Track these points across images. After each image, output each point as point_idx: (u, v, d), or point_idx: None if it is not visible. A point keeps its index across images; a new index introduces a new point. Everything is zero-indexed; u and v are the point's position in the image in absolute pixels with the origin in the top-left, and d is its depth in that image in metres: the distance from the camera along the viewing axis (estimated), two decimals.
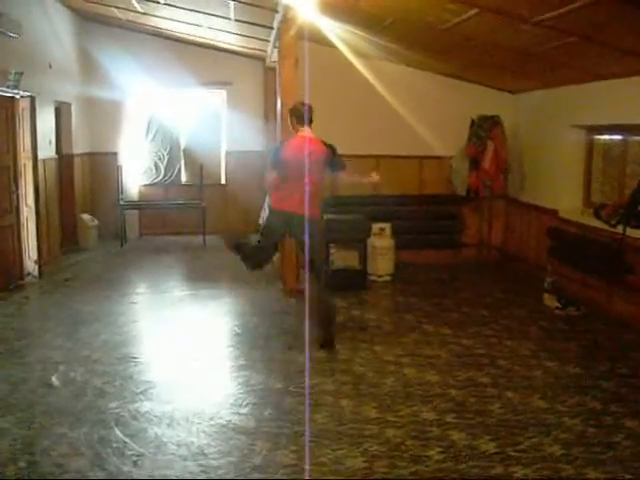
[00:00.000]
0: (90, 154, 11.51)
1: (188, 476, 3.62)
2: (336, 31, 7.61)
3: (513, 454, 3.90)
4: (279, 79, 7.81)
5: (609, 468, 3.74)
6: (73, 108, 10.54)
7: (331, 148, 5.87)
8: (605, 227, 6.80)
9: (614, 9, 4.71)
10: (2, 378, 5.04)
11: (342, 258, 8.03)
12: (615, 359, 5.59)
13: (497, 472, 3.70)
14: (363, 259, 8.09)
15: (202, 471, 3.67)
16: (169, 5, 8.47)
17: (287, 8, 7.00)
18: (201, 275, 8.94)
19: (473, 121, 9.03)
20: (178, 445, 3.98)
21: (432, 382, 5.07)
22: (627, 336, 6.21)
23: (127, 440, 4.03)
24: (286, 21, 7.26)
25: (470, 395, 4.81)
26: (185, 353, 5.79)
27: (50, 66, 9.32)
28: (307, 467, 3.71)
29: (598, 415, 4.47)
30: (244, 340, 6.16)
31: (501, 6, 5.25)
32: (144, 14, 9.61)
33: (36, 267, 8.34)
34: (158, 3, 8.49)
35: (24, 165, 8.11)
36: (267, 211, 6.20)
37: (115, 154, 11.60)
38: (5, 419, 4.32)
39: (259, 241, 6.01)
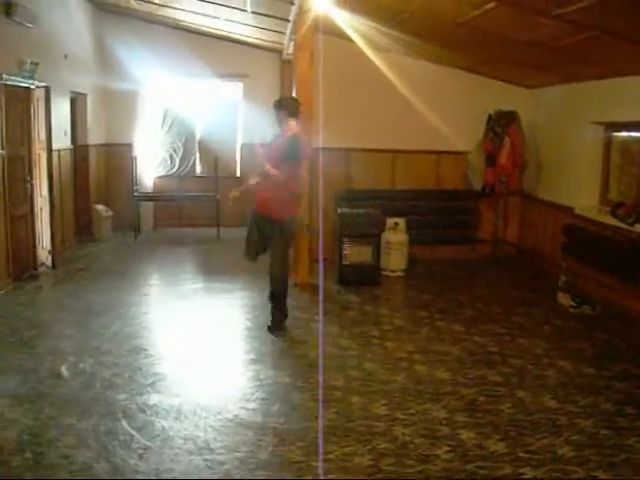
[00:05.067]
0: (105, 145, 11.54)
1: (193, 471, 3.60)
2: (352, 24, 7.54)
3: (523, 455, 3.85)
4: (295, 72, 7.76)
5: (621, 471, 3.68)
6: (89, 99, 10.57)
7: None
8: (622, 226, 6.70)
9: (638, 2, 4.60)
10: (12, 368, 5.06)
11: (355, 253, 7.96)
12: (630, 360, 5.51)
13: (506, 473, 3.65)
14: (376, 254, 8.04)
15: (208, 466, 3.65)
16: None
17: (303, 0, 6.95)
18: (214, 268, 8.93)
19: (490, 116, 8.94)
20: (185, 439, 3.97)
21: (443, 380, 5.03)
22: None
23: (134, 433, 4.02)
24: (302, 13, 7.22)
25: (481, 394, 4.76)
26: (195, 346, 5.78)
27: (66, 57, 9.32)
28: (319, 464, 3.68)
29: (611, 417, 4.40)
30: (255, 334, 6.13)
31: None
32: (161, 6, 9.59)
33: (50, 257, 8.36)
34: None
35: (39, 155, 8.12)
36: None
37: (130, 145, 11.60)
38: (14, 409, 4.33)
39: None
